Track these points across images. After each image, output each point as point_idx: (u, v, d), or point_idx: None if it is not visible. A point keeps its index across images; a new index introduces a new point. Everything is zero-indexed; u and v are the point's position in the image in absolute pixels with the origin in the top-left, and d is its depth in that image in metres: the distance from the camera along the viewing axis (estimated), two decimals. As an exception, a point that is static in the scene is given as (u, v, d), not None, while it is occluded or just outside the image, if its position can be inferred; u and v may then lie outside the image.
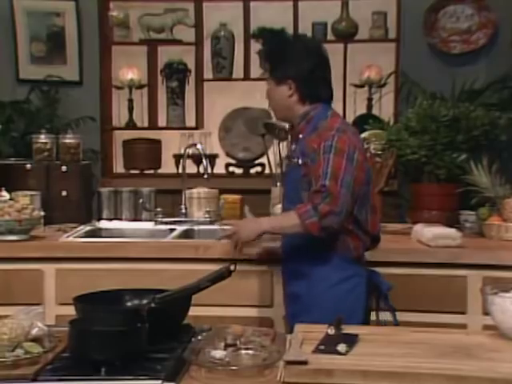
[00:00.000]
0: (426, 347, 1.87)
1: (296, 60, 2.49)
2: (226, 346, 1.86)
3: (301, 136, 2.49)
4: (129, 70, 5.16)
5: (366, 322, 2.52)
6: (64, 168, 4.04)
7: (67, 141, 4.26)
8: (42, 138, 4.22)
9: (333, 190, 2.32)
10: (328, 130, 2.41)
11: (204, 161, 3.60)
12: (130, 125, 5.28)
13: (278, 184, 3.65)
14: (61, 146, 4.22)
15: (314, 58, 2.50)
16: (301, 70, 2.48)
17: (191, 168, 4.78)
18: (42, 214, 3.21)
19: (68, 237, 3.21)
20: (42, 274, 3.00)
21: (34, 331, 1.84)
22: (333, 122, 2.46)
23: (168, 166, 5.19)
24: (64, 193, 4.07)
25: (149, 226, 3.54)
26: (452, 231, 3.00)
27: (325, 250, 2.46)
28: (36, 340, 1.83)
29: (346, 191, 2.34)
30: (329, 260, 2.46)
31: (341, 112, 5.12)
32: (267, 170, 4.41)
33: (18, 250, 3.01)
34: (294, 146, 2.55)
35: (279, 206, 3.39)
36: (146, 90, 5.30)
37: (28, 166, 3.98)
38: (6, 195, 3.18)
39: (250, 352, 1.84)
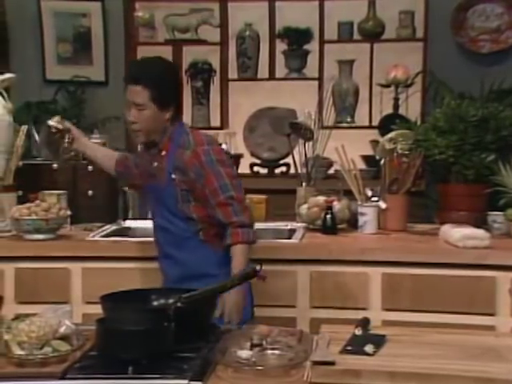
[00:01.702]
0: (453, 349, 1.85)
1: (177, 85, 2.68)
2: (252, 346, 1.86)
3: (164, 153, 2.62)
4: (154, 70, 5.17)
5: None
6: (90, 168, 4.06)
7: (93, 140, 4.29)
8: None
9: (240, 199, 2.53)
10: (200, 145, 2.57)
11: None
12: (156, 125, 5.29)
13: (304, 184, 3.64)
14: (87, 145, 4.24)
15: (180, 81, 2.77)
16: (180, 95, 2.68)
17: (216, 168, 4.77)
18: (69, 213, 3.23)
19: (94, 236, 3.22)
20: (68, 272, 3.02)
21: (62, 329, 1.85)
22: (198, 136, 2.63)
23: (193, 166, 5.19)
24: (90, 192, 4.10)
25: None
26: (480, 232, 2.97)
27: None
28: (64, 338, 1.84)
29: (243, 195, 2.59)
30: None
31: (367, 112, 5.11)
32: (292, 170, 4.39)
33: (45, 249, 3.03)
34: (156, 164, 2.64)
35: (305, 206, 3.39)
36: (171, 90, 5.30)
37: (55, 165, 4.01)
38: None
39: (277, 352, 1.83)
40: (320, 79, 5.11)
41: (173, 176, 2.57)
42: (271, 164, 5.25)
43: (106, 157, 3.00)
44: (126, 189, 3.69)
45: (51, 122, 2.92)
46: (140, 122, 2.58)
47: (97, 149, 3.07)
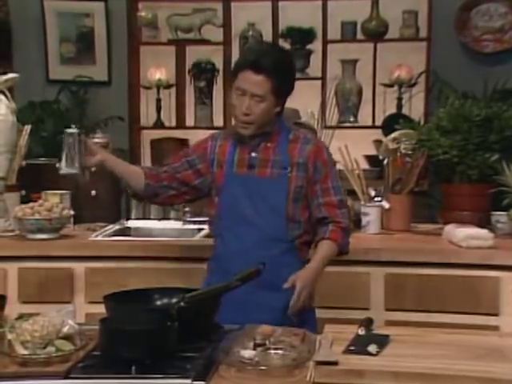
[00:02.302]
0: (457, 349, 1.85)
1: (294, 75, 2.43)
2: (256, 346, 1.85)
3: (269, 145, 2.41)
4: (157, 69, 5.18)
5: None
6: (93, 168, 4.06)
7: (96, 140, 4.28)
8: (72, 138, 4.25)
9: (348, 207, 2.48)
10: (319, 141, 2.51)
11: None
12: (158, 124, 5.30)
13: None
14: (90, 145, 4.24)
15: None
16: (293, 86, 2.42)
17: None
18: (72, 212, 3.23)
19: (97, 236, 3.22)
20: (71, 272, 3.02)
21: (65, 329, 1.85)
22: (311, 133, 2.56)
23: (196, 166, 5.19)
24: (93, 192, 4.09)
25: (177, 225, 3.55)
26: (484, 232, 2.97)
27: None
28: (67, 338, 1.84)
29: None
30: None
31: (370, 112, 5.11)
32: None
33: (48, 249, 3.03)
34: (255, 154, 2.41)
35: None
36: (173, 89, 5.31)
37: (58, 165, 4.01)
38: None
39: (280, 352, 1.83)
40: (323, 79, 5.11)
41: (288, 173, 2.38)
42: (274, 164, 5.24)
43: (134, 172, 2.57)
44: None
45: (72, 130, 2.57)
46: (254, 114, 2.34)
47: (126, 164, 2.62)
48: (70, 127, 2.59)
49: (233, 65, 2.56)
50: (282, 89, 2.35)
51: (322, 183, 2.41)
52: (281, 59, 2.37)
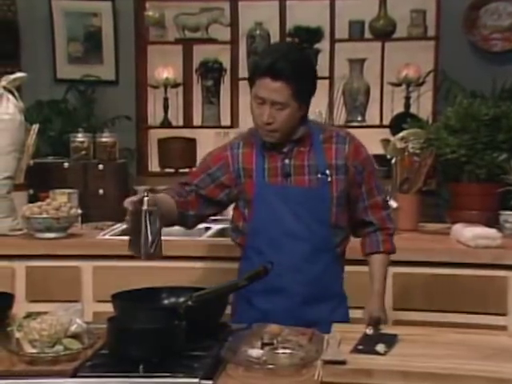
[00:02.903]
0: (466, 349, 1.84)
1: (315, 76, 2.27)
2: (263, 345, 1.85)
3: (302, 149, 2.26)
4: (164, 69, 5.19)
5: None
6: (101, 166, 4.08)
7: (104, 140, 4.32)
8: (80, 137, 4.28)
9: (388, 202, 2.43)
10: (355, 139, 2.34)
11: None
12: (166, 123, 5.31)
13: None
14: (97, 144, 4.27)
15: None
16: (315, 87, 2.26)
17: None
18: (80, 211, 3.23)
19: (105, 235, 3.23)
20: (79, 271, 3.02)
21: (73, 328, 1.85)
22: (343, 130, 2.42)
23: (203, 165, 5.19)
24: (101, 191, 4.11)
25: (184, 224, 3.54)
26: (492, 231, 2.95)
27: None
28: (75, 336, 1.84)
29: None
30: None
31: (378, 111, 5.10)
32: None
33: (55, 248, 3.04)
34: (287, 161, 2.25)
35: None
36: (181, 88, 5.32)
37: (66, 164, 4.03)
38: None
39: (288, 351, 1.83)
40: (331, 78, 5.11)
41: (328, 177, 2.24)
42: (281, 163, 5.24)
43: (170, 205, 2.28)
44: (137, 188, 3.70)
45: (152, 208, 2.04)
46: (277, 122, 2.18)
47: (162, 199, 2.23)
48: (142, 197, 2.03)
49: (248, 69, 2.49)
50: (304, 92, 2.19)
51: (366, 184, 2.31)
52: (299, 61, 2.18)
